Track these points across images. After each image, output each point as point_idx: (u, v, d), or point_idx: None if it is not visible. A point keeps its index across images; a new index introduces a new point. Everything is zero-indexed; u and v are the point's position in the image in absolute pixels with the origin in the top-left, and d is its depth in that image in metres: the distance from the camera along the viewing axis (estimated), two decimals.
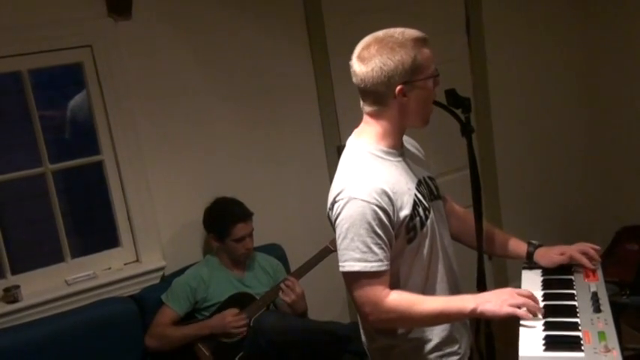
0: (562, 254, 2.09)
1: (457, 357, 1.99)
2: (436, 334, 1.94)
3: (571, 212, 4.47)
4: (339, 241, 1.83)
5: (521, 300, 1.79)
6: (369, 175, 1.83)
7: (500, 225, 4.13)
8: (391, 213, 1.81)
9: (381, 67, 1.79)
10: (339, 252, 1.83)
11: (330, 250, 3.09)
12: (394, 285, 1.86)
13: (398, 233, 1.84)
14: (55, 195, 3.08)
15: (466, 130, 1.90)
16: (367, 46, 1.83)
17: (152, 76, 3.16)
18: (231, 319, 2.97)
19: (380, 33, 1.85)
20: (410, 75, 1.80)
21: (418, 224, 1.87)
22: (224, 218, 3.08)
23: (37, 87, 3.06)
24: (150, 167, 3.17)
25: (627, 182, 4.34)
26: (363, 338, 2.04)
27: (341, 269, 1.83)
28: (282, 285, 3.05)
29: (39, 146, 3.02)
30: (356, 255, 1.79)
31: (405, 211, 1.84)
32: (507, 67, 4.17)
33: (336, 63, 3.59)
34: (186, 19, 3.22)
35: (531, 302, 1.80)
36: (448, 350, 1.97)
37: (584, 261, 2.07)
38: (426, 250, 1.91)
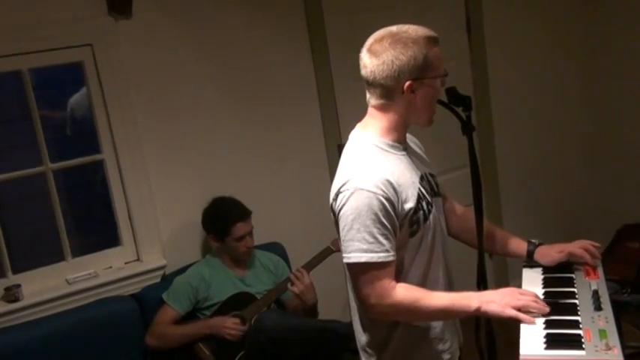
0: (561, 252, 2.09)
1: (449, 356, 2.00)
2: (429, 331, 1.95)
3: (572, 210, 4.47)
4: (344, 233, 1.82)
5: (523, 301, 1.79)
6: (374, 166, 1.83)
7: (500, 223, 4.13)
8: (396, 204, 1.81)
9: (392, 61, 1.79)
10: (344, 243, 1.82)
11: (331, 250, 3.08)
12: (395, 277, 1.86)
13: (401, 225, 1.84)
14: (56, 194, 3.08)
15: (467, 129, 1.90)
16: (380, 40, 1.83)
17: (153, 74, 3.16)
18: (230, 325, 2.97)
19: (393, 28, 1.85)
20: (420, 72, 1.81)
21: (422, 217, 1.87)
22: (223, 218, 3.08)
23: (38, 86, 3.06)
24: (150, 166, 3.18)
25: (628, 180, 4.34)
26: (359, 334, 2.03)
27: (346, 261, 1.83)
28: (292, 275, 3.05)
29: (39, 145, 3.02)
30: (362, 246, 1.78)
31: (410, 204, 1.84)
32: (508, 66, 4.17)
33: (336, 62, 3.58)
34: (186, 17, 3.22)
35: (534, 304, 1.80)
36: (440, 347, 1.98)
37: (586, 256, 2.07)
38: (428, 245, 1.91)
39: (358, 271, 1.82)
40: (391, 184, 1.80)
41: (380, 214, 1.77)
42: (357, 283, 1.84)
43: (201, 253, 3.31)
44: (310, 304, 3.10)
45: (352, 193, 1.79)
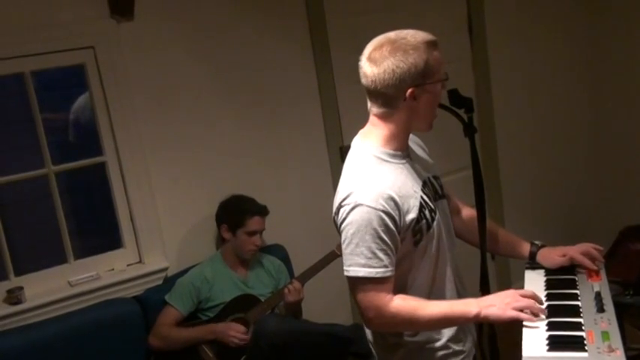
0: (564, 255, 2.09)
1: (463, 355, 1.99)
2: (444, 333, 1.94)
3: (574, 211, 4.46)
4: (344, 246, 1.82)
5: (524, 302, 1.79)
6: (375, 180, 1.82)
7: (502, 225, 4.12)
8: (397, 218, 1.80)
9: (393, 70, 1.77)
10: (344, 256, 1.83)
11: (336, 254, 3.09)
12: (401, 287, 1.86)
13: (404, 237, 1.83)
14: (58, 196, 3.08)
15: (469, 131, 1.90)
16: (379, 47, 1.80)
17: (155, 76, 3.16)
18: (234, 334, 2.98)
19: (391, 34, 1.82)
20: (421, 78, 1.79)
21: (424, 227, 1.87)
22: (242, 209, 3.13)
23: (40, 88, 3.06)
24: (152, 168, 3.18)
25: (631, 181, 4.33)
26: (370, 336, 2.03)
27: (345, 274, 1.84)
28: (290, 287, 3.07)
29: (42, 148, 3.02)
30: (361, 260, 1.78)
31: (412, 215, 1.83)
32: (510, 67, 4.16)
33: (338, 63, 3.58)
34: (188, 19, 3.22)
35: (535, 305, 1.80)
36: (456, 348, 1.97)
37: (586, 262, 2.07)
38: (433, 252, 1.91)
39: (356, 284, 1.82)
40: (392, 198, 1.80)
41: (379, 230, 1.77)
42: (355, 297, 1.85)
43: (204, 254, 3.30)
44: (292, 313, 3.14)
45: (353, 208, 1.79)
